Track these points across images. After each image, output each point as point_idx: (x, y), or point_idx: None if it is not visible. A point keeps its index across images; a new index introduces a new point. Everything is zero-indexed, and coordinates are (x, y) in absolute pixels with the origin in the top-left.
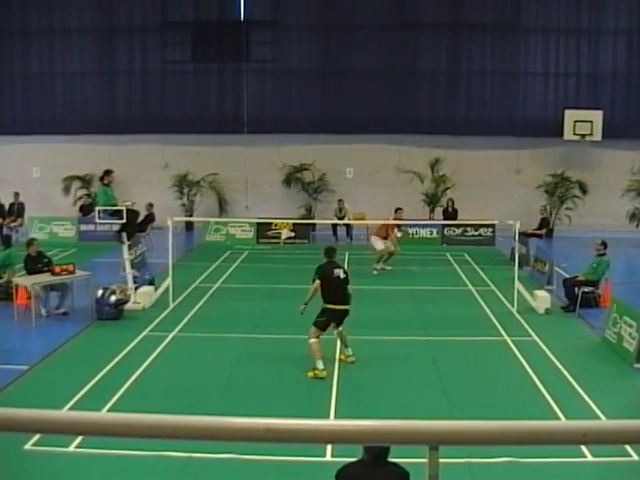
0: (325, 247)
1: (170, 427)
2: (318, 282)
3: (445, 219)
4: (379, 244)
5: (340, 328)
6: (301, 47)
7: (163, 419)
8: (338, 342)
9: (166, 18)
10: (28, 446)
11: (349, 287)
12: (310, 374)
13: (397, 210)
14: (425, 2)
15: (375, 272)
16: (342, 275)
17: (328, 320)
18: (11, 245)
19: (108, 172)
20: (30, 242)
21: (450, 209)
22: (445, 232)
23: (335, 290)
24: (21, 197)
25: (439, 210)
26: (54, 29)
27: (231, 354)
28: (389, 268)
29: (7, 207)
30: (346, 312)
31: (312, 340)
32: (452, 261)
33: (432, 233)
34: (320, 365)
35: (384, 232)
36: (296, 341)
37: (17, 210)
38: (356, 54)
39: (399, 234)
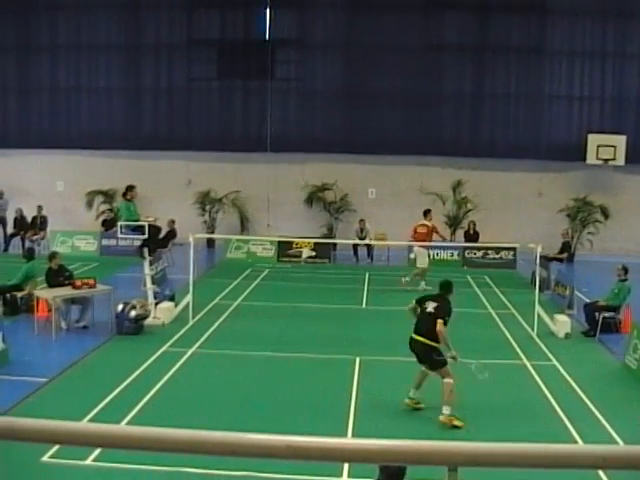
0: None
1: (190, 442)
2: (414, 302)
3: (466, 241)
4: (425, 260)
5: (444, 380)
6: (326, 67)
7: (182, 433)
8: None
9: (192, 35)
10: (45, 458)
11: (439, 321)
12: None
13: (428, 212)
14: (450, 24)
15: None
16: (429, 309)
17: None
18: (34, 258)
19: (131, 187)
20: (52, 255)
21: (471, 231)
22: (466, 254)
23: (418, 320)
24: (44, 210)
25: (460, 232)
26: (81, 45)
27: (250, 372)
28: (429, 288)
29: (30, 220)
30: (422, 345)
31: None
32: (472, 283)
33: (453, 255)
34: (410, 392)
35: (427, 235)
36: (315, 360)
37: (40, 223)
38: (380, 75)
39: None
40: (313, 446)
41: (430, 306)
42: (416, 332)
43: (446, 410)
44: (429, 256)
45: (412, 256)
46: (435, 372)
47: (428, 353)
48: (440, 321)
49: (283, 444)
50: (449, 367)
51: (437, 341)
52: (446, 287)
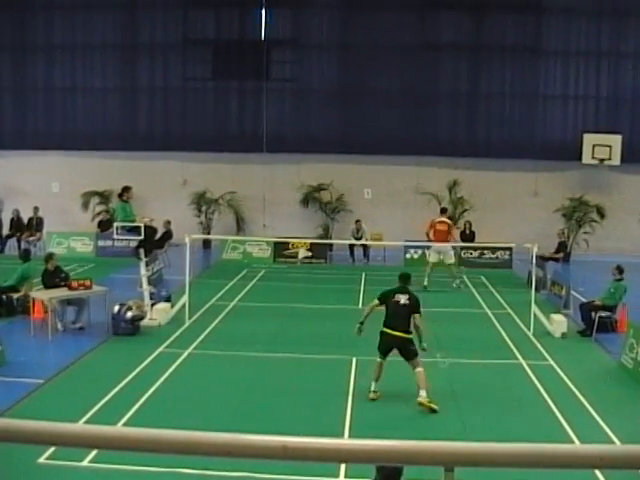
0: (400, 273)
1: (186, 443)
2: (376, 302)
3: (462, 241)
4: (452, 254)
5: (417, 369)
6: (321, 67)
7: (178, 434)
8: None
9: (187, 35)
10: (42, 459)
11: (417, 317)
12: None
13: (445, 210)
14: (446, 24)
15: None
16: (403, 301)
17: (381, 344)
18: (30, 259)
19: (127, 188)
20: (49, 257)
21: (467, 231)
22: (462, 254)
23: (392, 314)
24: (40, 212)
25: (457, 232)
26: (77, 45)
27: (247, 372)
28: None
29: (26, 221)
30: (401, 340)
31: (377, 360)
32: (469, 283)
33: None
34: (372, 386)
35: (447, 234)
36: (312, 361)
37: (36, 224)
38: (376, 74)
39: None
40: (309, 447)
41: (402, 299)
42: (390, 326)
43: (423, 393)
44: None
45: (430, 254)
46: (410, 362)
47: (407, 345)
48: (418, 315)
49: (279, 445)
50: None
51: (410, 333)
52: (407, 278)
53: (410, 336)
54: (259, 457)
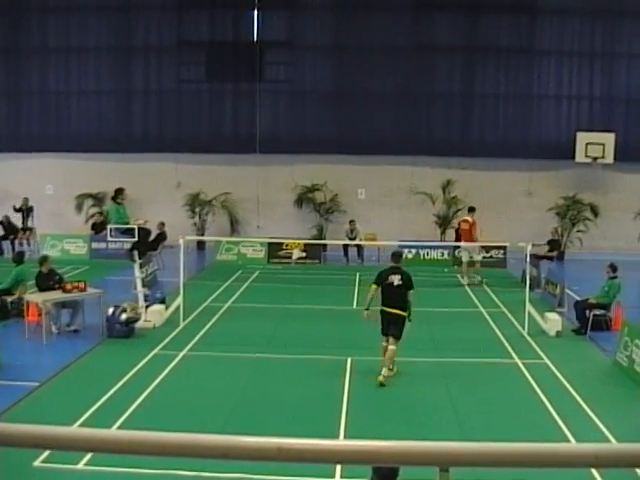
0: (392, 251)
1: (181, 445)
2: (374, 286)
3: (456, 241)
4: (477, 251)
5: (393, 346)
6: (315, 68)
7: (173, 437)
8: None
9: (182, 37)
10: (37, 463)
11: (410, 293)
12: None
13: (473, 209)
14: (440, 25)
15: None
16: (396, 282)
17: (382, 323)
18: (23, 261)
19: (120, 190)
20: (43, 259)
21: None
22: (456, 254)
23: (387, 295)
24: (30, 201)
25: (451, 232)
26: (71, 47)
27: (242, 374)
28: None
29: (17, 209)
30: (396, 316)
31: (382, 343)
32: (463, 282)
33: (443, 255)
34: (382, 371)
35: (470, 231)
36: (307, 361)
37: (26, 213)
38: (370, 75)
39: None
40: (304, 448)
41: (395, 279)
42: (387, 305)
43: (385, 372)
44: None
45: (460, 253)
46: (393, 339)
47: (400, 323)
48: (412, 292)
49: (274, 446)
50: None
51: (405, 310)
52: (399, 256)
53: (403, 313)
54: (254, 459)
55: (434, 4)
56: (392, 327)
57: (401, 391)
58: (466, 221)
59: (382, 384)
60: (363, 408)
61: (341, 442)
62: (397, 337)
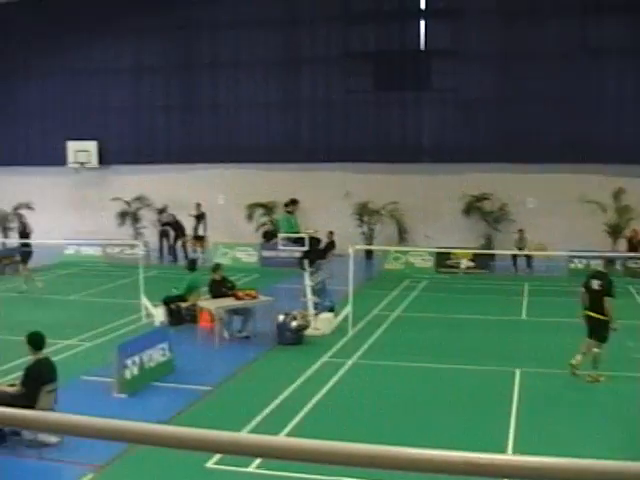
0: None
1: (371, 456)
2: (583, 290)
3: (629, 250)
4: None
5: (596, 349)
6: (482, 76)
7: (363, 448)
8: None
9: (348, 49)
10: (210, 464)
11: (606, 299)
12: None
13: None
14: (609, 27)
15: None
16: (596, 287)
17: (586, 325)
18: (196, 269)
19: (294, 201)
20: (216, 267)
21: (634, 240)
22: (628, 264)
23: (590, 299)
24: (202, 207)
25: (622, 241)
26: (240, 61)
27: (409, 383)
28: None
29: (193, 215)
30: (597, 321)
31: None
32: (634, 293)
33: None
34: (576, 356)
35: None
36: (474, 372)
37: (198, 219)
38: (538, 82)
39: None
40: (491, 463)
41: (595, 284)
42: (589, 309)
43: (593, 372)
44: None
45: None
46: (597, 342)
47: (600, 326)
48: (607, 298)
49: (460, 460)
50: None
51: (604, 315)
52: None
53: (601, 317)
54: (440, 472)
55: (603, 6)
56: (594, 331)
57: (575, 409)
58: (635, 230)
59: (573, 366)
60: (532, 421)
61: (522, 458)
62: (601, 341)
